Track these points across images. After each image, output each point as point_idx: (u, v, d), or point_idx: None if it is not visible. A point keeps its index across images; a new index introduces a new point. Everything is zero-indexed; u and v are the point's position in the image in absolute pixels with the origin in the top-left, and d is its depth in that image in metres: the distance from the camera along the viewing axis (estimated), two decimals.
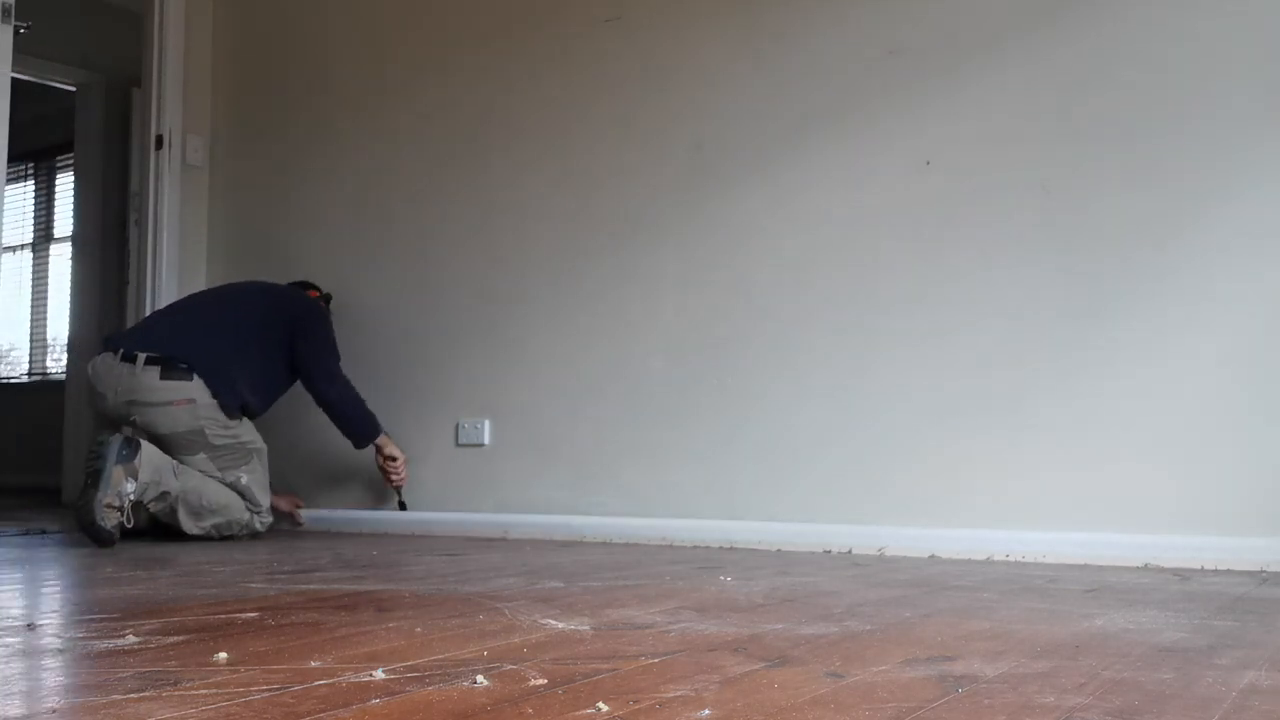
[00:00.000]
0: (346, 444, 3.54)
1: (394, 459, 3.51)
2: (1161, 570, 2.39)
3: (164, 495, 3.07)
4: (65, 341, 5.82)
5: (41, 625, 1.57)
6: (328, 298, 3.75)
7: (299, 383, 3.47)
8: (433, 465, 3.56)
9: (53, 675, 1.22)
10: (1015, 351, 2.70)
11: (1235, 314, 2.46)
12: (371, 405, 3.55)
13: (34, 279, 7.09)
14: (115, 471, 2.91)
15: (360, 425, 3.46)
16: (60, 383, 5.68)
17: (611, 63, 3.35)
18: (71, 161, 5.93)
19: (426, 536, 3.43)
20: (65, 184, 6.34)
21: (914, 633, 1.50)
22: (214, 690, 1.10)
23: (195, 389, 3.15)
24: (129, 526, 2.96)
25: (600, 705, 1.03)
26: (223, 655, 1.28)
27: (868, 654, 1.33)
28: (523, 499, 3.41)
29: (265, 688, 1.11)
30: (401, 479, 3.54)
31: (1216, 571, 2.35)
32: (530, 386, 3.43)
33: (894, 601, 1.83)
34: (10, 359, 7.23)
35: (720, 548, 2.95)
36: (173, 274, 3.98)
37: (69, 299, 5.63)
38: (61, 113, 6.04)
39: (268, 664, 1.24)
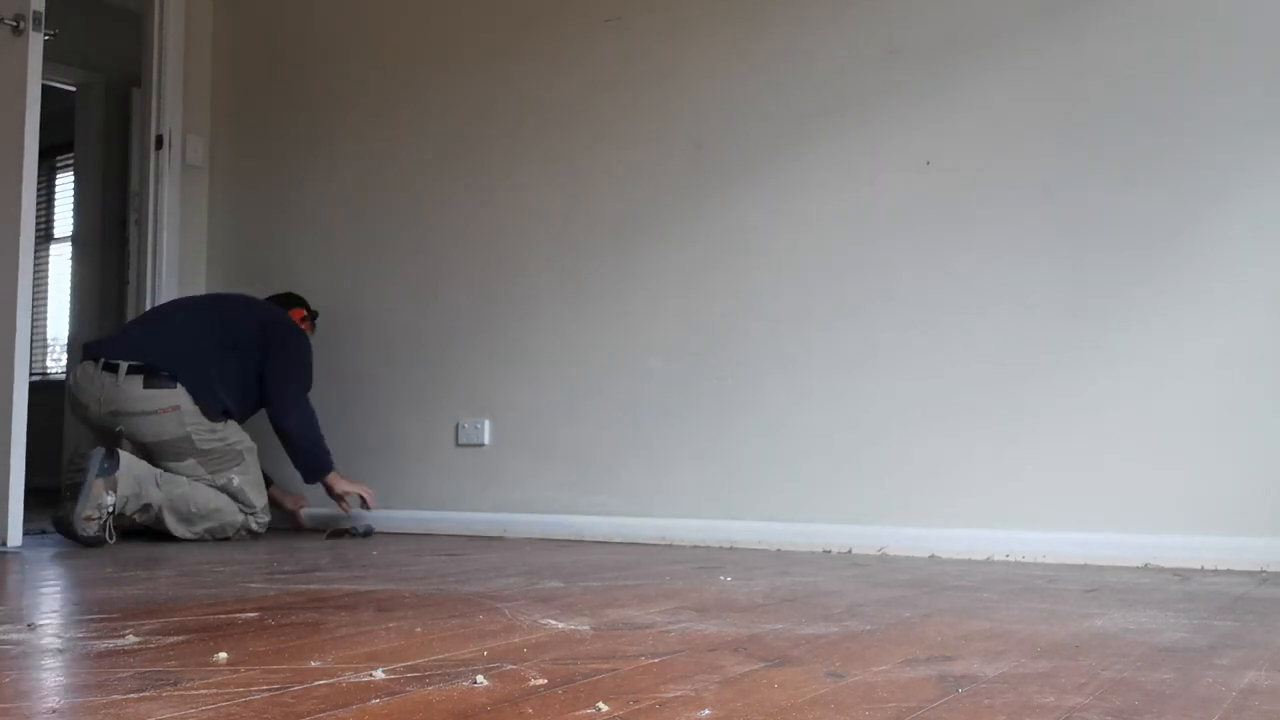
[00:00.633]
0: (341, 446, 3.55)
1: (342, 498, 3.41)
2: (1161, 570, 2.39)
3: (146, 507, 3.06)
4: (65, 341, 5.82)
5: (41, 625, 1.57)
6: (314, 315, 3.70)
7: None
8: (433, 465, 3.56)
9: (53, 675, 1.22)
10: (1015, 351, 2.70)
11: (1235, 314, 2.46)
12: (372, 406, 3.55)
13: (34, 279, 7.09)
14: (95, 485, 2.92)
15: (310, 460, 3.35)
16: (60, 383, 5.69)
17: (611, 63, 3.35)
18: (71, 161, 5.93)
19: (426, 536, 3.43)
20: (65, 184, 6.34)
21: (914, 633, 1.50)
22: (214, 690, 1.10)
23: (179, 396, 3.12)
24: (110, 541, 2.95)
25: (600, 705, 1.03)
26: (223, 655, 1.28)
27: (868, 654, 1.33)
28: (522, 499, 3.41)
29: (265, 688, 1.11)
30: (368, 500, 3.44)
31: (1216, 571, 2.35)
32: (530, 386, 3.43)
33: (894, 601, 1.83)
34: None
35: (720, 548, 2.95)
36: (173, 274, 3.97)
37: (69, 299, 5.63)
38: (61, 113, 6.04)
39: (268, 664, 1.24)
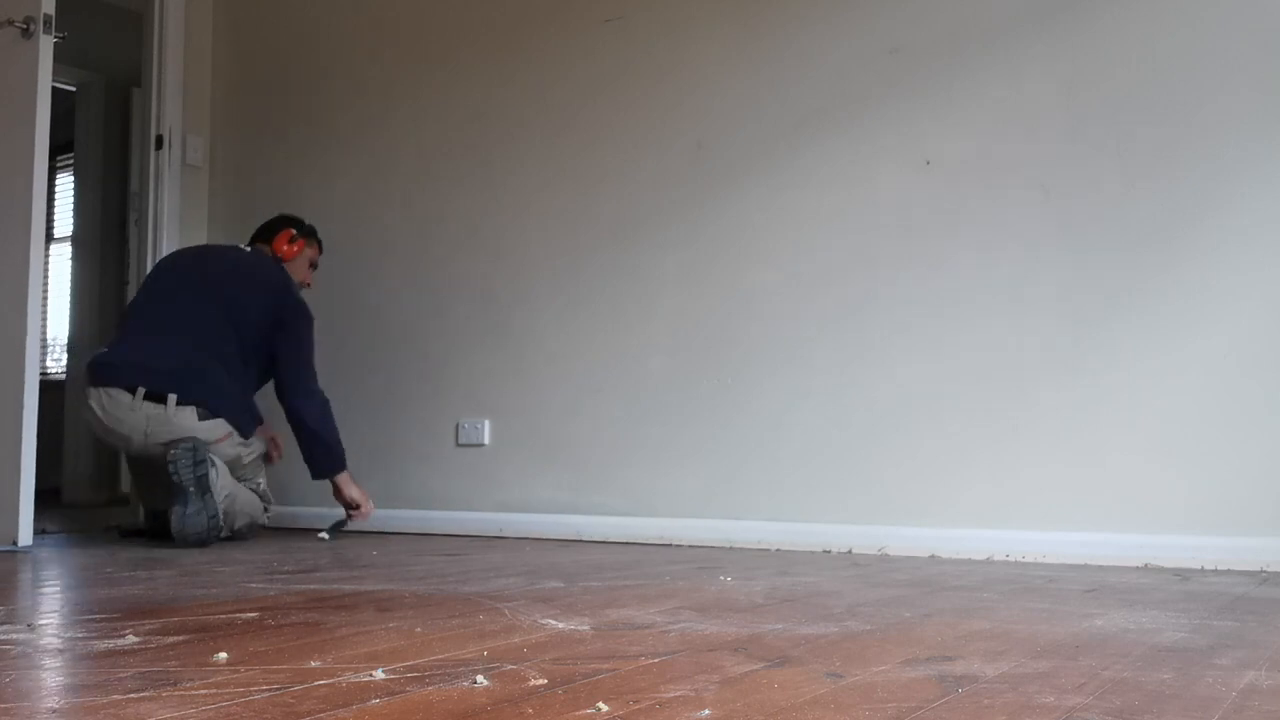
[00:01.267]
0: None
1: (356, 505, 3.30)
2: (1161, 570, 2.39)
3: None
4: (65, 342, 5.82)
5: (41, 625, 1.57)
6: (310, 231, 3.49)
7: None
8: (433, 465, 3.56)
9: (53, 675, 1.22)
10: (1015, 351, 2.70)
11: (1235, 314, 2.46)
12: (372, 405, 3.55)
13: None
14: (211, 477, 2.98)
15: (326, 453, 3.25)
16: (60, 383, 5.68)
17: (612, 63, 3.35)
18: (71, 161, 5.93)
19: (426, 536, 3.43)
20: (65, 184, 6.33)
21: (914, 633, 1.50)
22: (214, 690, 1.10)
23: (227, 423, 3.12)
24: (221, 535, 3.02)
25: (600, 705, 1.03)
26: (223, 655, 1.28)
27: (868, 654, 1.33)
28: (523, 499, 3.41)
29: (265, 688, 1.11)
30: (361, 516, 3.32)
31: (1216, 571, 2.35)
32: (530, 386, 3.43)
33: (894, 601, 1.83)
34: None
35: (720, 548, 2.94)
36: None
37: (69, 299, 5.63)
38: (62, 113, 6.02)
39: (268, 664, 1.24)
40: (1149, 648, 1.38)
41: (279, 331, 3.23)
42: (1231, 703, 1.07)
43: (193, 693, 1.08)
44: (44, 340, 7.00)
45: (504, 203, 3.53)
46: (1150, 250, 2.56)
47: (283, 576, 2.21)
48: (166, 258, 3.55)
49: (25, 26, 3.01)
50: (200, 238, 4.13)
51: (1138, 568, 2.43)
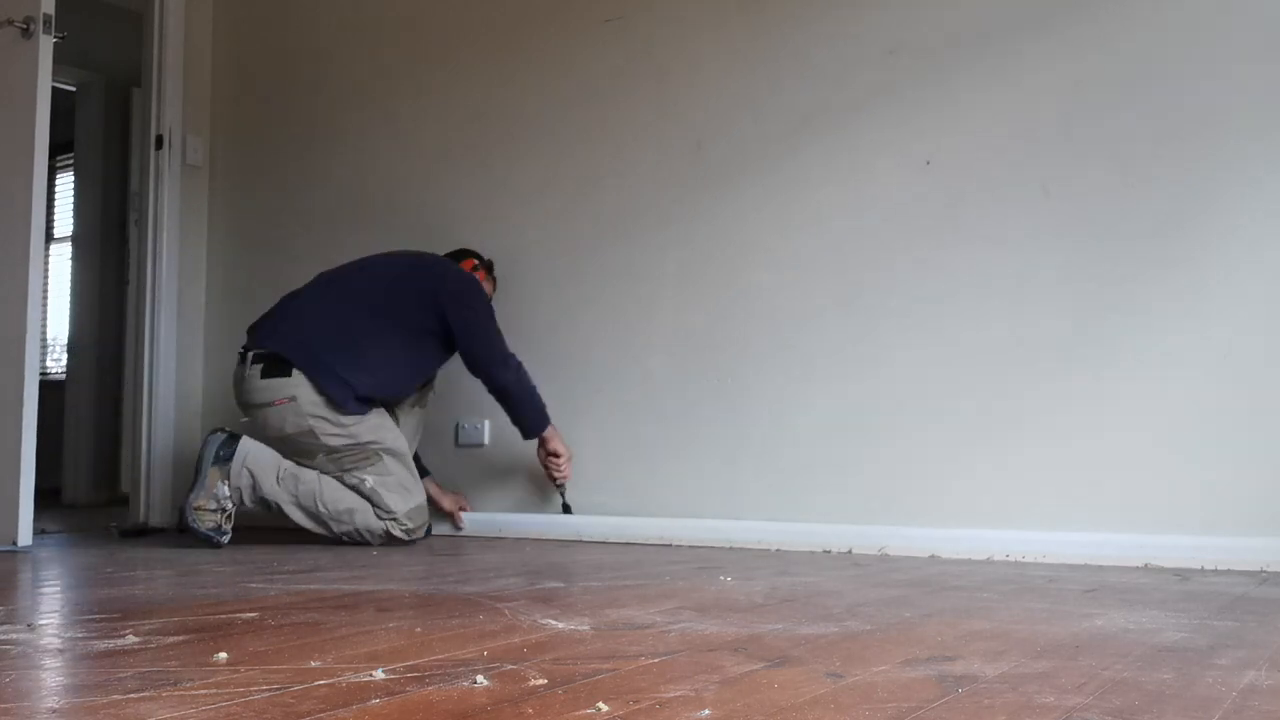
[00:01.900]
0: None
1: (557, 455, 3.18)
2: (1161, 570, 2.39)
3: (264, 502, 2.96)
4: (65, 342, 5.82)
5: (41, 625, 1.57)
6: (489, 265, 3.39)
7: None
8: (433, 465, 3.56)
9: (53, 675, 1.22)
10: (1016, 351, 2.70)
11: (1234, 314, 2.46)
12: None
13: None
14: (211, 474, 2.88)
15: (532, 415, 3.15)
16: (60, 383, 5.68)
17: (612, 62, 3.35)
18: (71, 161, 5.93)
19: (426, 536, 3.42)
20: (65, 184, 6.33)
21: (914, 633, 1.50)
22: (214, 690, 1.10)
23: (295, 385, 2.93)
24: (222, 541, 2.89)
25: (600, 705, 1.03)
26: (223, 655, 1.28)
27: (868, 654, 1.33)
28: (522, 499, 3.41)
29: (265, 688, 1.11)
30: (564, 476, 3.22)
31: (1216, 571, 2.35)
32: None
33: (894, 601, 1.83)
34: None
35: (720, 548, 2.94)
36: (173, 274, 3.97)
37: (69, 299, 5.63)
38: (61, 113, 6.03)
39: (268, 664, 1.24)
40: (1149, 648, 1.38)
41: (443, 304, 3.07)
42: (1231, 703, 1.08)
43: (193, 693, 1.08)
44: (44, 340, 7.01)
45: (504, 202, 3.53)
46: (1151, 249, 2.56)
47: (283, 576, 2.21)
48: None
49: (25, 26, 3.01)
50: (200, 238, 4.13)
51: (1138, 568, 2.43)
